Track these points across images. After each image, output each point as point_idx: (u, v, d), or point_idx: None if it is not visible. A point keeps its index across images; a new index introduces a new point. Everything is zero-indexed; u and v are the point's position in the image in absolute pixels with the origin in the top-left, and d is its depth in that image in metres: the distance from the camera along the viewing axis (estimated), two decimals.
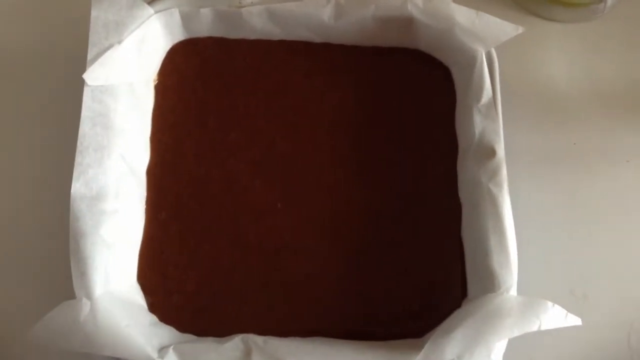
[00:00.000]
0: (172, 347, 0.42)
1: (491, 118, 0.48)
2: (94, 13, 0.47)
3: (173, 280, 0.47)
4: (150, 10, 0.49)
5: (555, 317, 0.41)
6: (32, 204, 0.51)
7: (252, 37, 0.53)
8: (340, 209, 0.49)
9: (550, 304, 0.41)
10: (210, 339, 0.44)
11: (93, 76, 0.45)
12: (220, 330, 0.45)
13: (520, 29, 0.49)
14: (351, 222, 0.49)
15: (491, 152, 0.47)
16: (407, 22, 0.51)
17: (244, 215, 0.48)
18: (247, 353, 0.42)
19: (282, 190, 0.49)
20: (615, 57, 0.58)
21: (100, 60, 0.46)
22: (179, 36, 0.52)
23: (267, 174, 0.50)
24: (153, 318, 0.45)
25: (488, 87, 0.49)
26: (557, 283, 0.51)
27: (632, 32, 0.59)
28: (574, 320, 0.42)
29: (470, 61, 0.50)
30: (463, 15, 0.49)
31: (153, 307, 0.45)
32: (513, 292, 0.43)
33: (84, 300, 0.41)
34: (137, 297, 0.45)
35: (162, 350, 0.42)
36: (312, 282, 0.47)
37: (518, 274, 0.44)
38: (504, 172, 0.46)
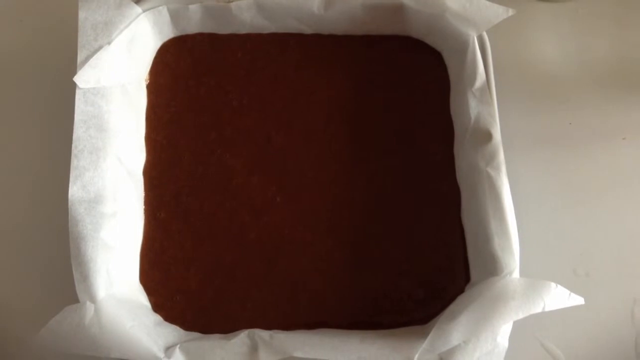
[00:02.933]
0: (178, 346, 0.42)
1: (486, 102, 0.48)
2: (81, 14, 0.46)
3: (175, 279, 0.47)
4: (138, 9, 0.48)
5: (558, 297, 0.41)
6: (31, 209, 0.51)
7: (243, 31, 0.52)
8: (339, 201, 0.49)
9: (553, 285, 0.42)
10: (216, 335, 0.44)
11: (84, 79, 0.45)
12: (225, 327, 0.45)
13: (511, 11, 0.49)
14: (351, 213, 0.49)
15: (487, 136, 0.47)
16: (397, 9, 0.50)
17: (242, 211, 0.48)
18: (254, 348, 0.42)
19: (280, 185, 0.49)
20: (606, 35, 0.58)
21: (90, 62, 0.45)
22: (169, 34, 0.52)
23: (264, 169, 0.49)
24: (157, 318, 0.45)
25: (481, 70, 0.49)
26: (559, 263, 0.51)
27: (622, 9, 0.59)
28: (577, 300, 0.42)
29: (462, 46, 0.50)
30: (453, 0, 0.49)
31: (157, 307, 0.46)
32: (516, 274, 0.43)
33: (88, 303, 0.41)
34: (141, 297, 0.45)
35: (168, 349, 0.42)
36: (315, 276, 0.47)
37: (520, 256, 0.44)
38: (501, 155, 0.46)
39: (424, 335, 0.42)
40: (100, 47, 0.46)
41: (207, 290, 0.46)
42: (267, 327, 0.45)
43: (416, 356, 0.41)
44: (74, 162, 0.44)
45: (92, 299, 0.41)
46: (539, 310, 0.41)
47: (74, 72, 0.45)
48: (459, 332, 0.41)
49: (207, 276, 0.47)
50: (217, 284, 0.47)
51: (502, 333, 0.42)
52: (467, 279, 0.47)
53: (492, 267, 0.44)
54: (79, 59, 0.45)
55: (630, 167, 0.54)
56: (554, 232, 0.52)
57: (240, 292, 0.47)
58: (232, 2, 0.50)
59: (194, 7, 0.50)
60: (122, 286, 0.44)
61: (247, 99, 0.51)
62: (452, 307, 0.44)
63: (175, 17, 0.50)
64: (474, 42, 0.49)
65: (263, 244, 0.48)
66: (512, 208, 0.45)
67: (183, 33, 0.52)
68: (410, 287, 0.47)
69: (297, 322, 0.46)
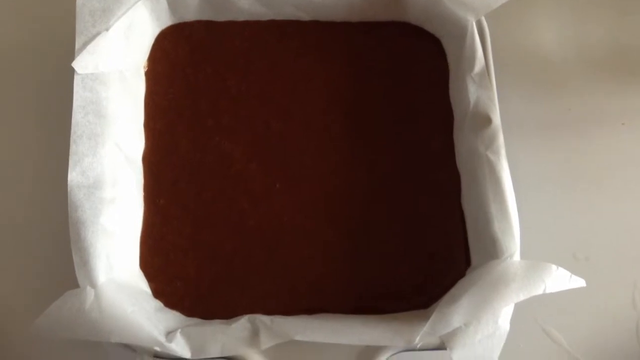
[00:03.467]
0: (179, 330, 0.42)
1: (485, 86, 0.48)
2: (79, 1, 0.46)
3: (174, 266, 0.47)
4: None
5: (559, 279, 0.41)
6: (31, 196, 0.51)
7: (241, 18, 0.52)
8: (338, 187, 0.49)
9: (554, 266, 0.41)
10: (217, 321, 0.44)
11: (82, 64, 0.45)
12: (225, 314, 0.45)
13: None
14: (350, 200, 0.48)
15: (487, 120, 0.47)
16: None
17: (242, 198, 0.48)
18: (255, 333, 0.42)
19: (279, 172, 0.49)
20: (606, 22, 0.58)
21: (88, 48, 0.45)
22: (167, 21, 0.52)
23: (263, 156, 0.49)
24: (158, 304, 0.45)
25: (480, 55, 0.48)
26: (559, 247, 0.51)
27: None
28: (579, 282, 0.42)
29: (461, 31, 0.50)
30: None
31: (157, 293, 0.45)
32: (517, 257, 0.43)
33: (88, 288, 0.41)
34: (141, 283, 0.45)
35: (169, 334, 0.42)
36: (315, 262, 0.47)
37: (520, 241, 0.44)
38: (500, 139, 0.46)
39: (426, 318, 0.42)
40: (98, 33, 0.46)
41: (206, 278, 0.46)
42: (267, 313, 0.44)
43: (417, 338, 0.41)
44: (72, 148, 0.44)
45: (92, 283, 0.41)
46: (539, 292, 0.41)
47: (72, 59, 0.45)
48: (459, 315, 0.41)
49: (206, 263, 0.47)
50: (216, 271, 0.47)
51: (503, 316, 0.42)
52: (467, 263, 0.47)
53: (493, 250, 0.44)
54: (77, 45, 0.45)
55: (629, 152, 0.54)
56: (554, 218, 0.52)
57: (240, 279, 0.46)
58: None
59: None
60: (122, 272, 0.43)
61: (245, 86, 0.51)
62: (453, 290, 0.44)
63: (172, 4, 0.50)
64: (472, 27, 0.49)
65: (262, 231, 0.48)
66: (512, 191, 0.45)
67: (181, 20, 0.52)
68: (411, 272, 0.47)
69: (297, 310, 0.45)
